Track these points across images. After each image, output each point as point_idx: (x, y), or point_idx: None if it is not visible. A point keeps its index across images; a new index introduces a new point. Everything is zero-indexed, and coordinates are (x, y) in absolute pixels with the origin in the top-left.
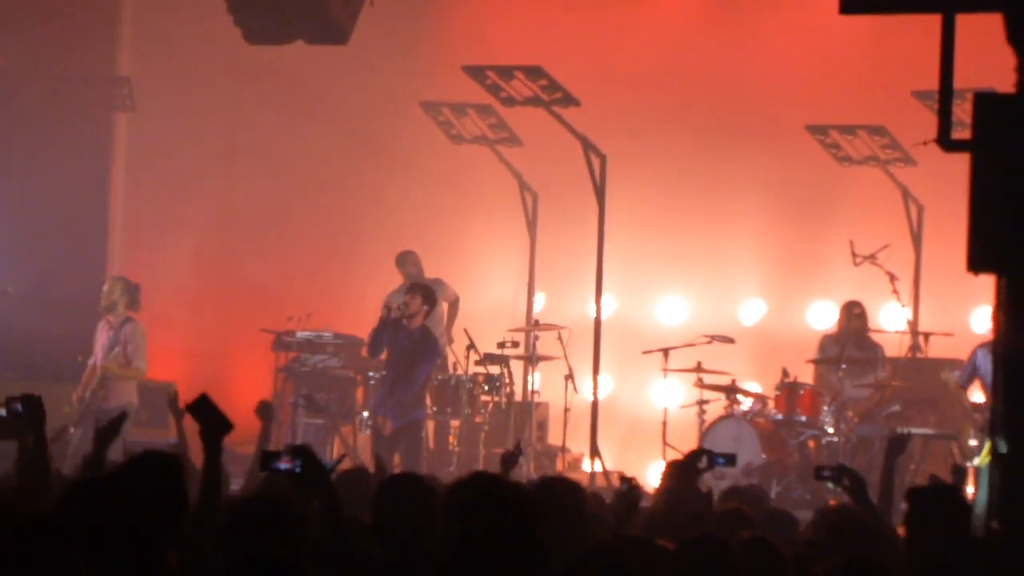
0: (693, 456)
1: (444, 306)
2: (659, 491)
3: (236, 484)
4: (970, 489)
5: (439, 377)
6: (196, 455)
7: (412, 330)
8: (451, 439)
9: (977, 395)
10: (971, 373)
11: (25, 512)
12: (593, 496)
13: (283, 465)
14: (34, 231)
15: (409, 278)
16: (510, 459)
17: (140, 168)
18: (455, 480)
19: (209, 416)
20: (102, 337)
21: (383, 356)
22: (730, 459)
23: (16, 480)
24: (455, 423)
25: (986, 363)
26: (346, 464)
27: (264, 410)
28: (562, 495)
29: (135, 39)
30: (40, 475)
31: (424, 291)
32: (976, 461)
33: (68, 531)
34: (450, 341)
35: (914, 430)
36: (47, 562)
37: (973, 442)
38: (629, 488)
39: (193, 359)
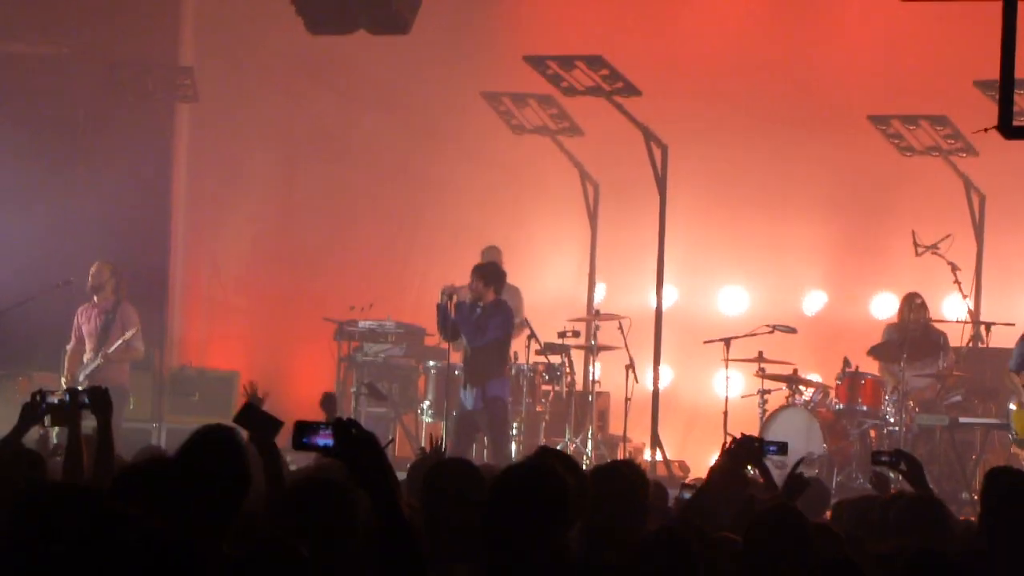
0: (743, 442)
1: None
2: (711, 478)
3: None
4: None
5: None
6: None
7: (484, 305)
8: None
9: None
10: (1021, 355)
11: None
12: (655, 486)
13: (320, 440)
14: (96, 221)
15: None
16: None
17: (202, 158)
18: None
19: (257, 422)
20: (91, 321)
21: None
22: (781, 447)
23: (64, 467)
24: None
25: None
26: (405, 451)
27: (328, 402)
28: (625, 477)
29: (198, 29)
30: (106, 465)
31: (481, 271)
32: None
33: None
34: None
35: (974, 420)
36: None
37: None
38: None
39: (256, 349)
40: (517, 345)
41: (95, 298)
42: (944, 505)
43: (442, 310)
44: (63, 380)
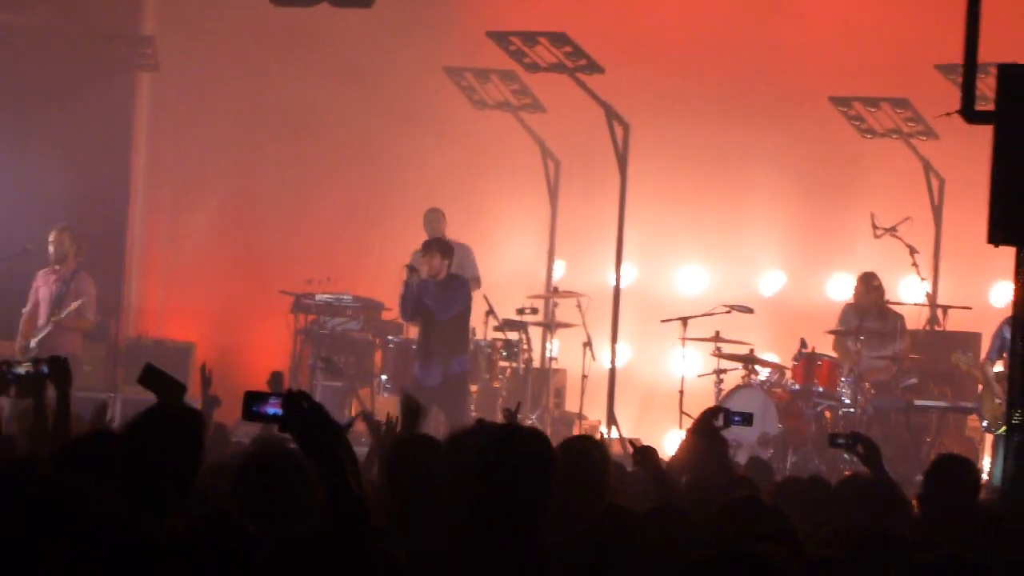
0: (710, 413)
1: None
2: (683, 450)
3: None
4: (986, 460)
5: None
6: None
7: (439, 280)
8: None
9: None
10: (1000, 347)
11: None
12: (615, 465)
13: (269, 409)
14: (55, 190)
15: (431, 236)
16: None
17: (162, 129)
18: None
19: (161, 384)
20: (48, 287)
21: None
22: (747, 418)
23: (28, 439)
24: (473, 388)
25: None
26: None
27: (275, 382)
28: (588, 452)
29: None
30: (63, 435)
31: (437, 246)
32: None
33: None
34: None
35: (930, 403)
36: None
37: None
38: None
39: (212, 321)
40: (475, 321)
41: (56, 265)
42: (899, 488)
43: (413, 290)
44: (16, 343)
